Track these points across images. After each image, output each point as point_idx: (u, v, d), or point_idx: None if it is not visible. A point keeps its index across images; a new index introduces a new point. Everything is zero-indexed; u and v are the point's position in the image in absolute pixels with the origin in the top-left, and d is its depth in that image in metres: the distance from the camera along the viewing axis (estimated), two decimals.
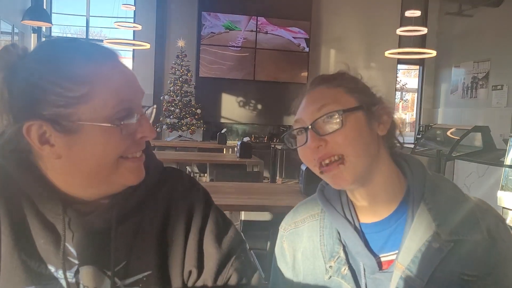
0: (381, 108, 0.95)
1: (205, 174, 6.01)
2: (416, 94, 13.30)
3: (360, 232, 0.95)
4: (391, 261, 0.91)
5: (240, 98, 11.68)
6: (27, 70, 0.78)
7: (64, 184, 0.83)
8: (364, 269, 0.92)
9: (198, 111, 11.02)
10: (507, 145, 6.61)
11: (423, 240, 0.87)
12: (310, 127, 0.91)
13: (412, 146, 11.95)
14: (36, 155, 0.83)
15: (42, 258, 0.83)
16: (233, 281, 0.91)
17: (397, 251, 0.90)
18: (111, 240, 0.84)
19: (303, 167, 2.86)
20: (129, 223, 0.87)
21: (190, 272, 0.89)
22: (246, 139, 4.90)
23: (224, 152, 6.69)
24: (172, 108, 10.84)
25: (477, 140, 8.41)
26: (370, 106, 0.94)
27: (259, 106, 11.81)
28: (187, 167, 6.21)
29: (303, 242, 1.02)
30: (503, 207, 6.11)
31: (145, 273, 0.85)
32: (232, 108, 11.65)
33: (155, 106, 0.89)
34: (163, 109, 10.91)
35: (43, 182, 0.82)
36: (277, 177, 6.79)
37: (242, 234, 1.01)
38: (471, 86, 11.40)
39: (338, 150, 0.90)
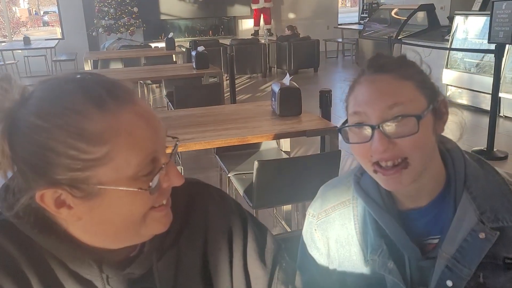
0: (441, 102, 0.89)
1: (160, 85, 5.78)
2: None
3: (400, 220, 0.95)
4: (433, 245, 0.93)
5: None
6: (30, 125, 0.65)
7: (90, 241, 0.75)
8: (409, 259, 0.95)
9: (135, 9, 10.20)
10: (452, 23, 6.75)
11: (468, 230, 0.89)
12: (379, 127, 0.83)
13: (356, 26, 11.93)
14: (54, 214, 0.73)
15: None
16: None
17: (438, 236, 0.93)
18: (156, 283, 0.80)
19: (275, 88, 2.80)
20: (169, 260, 0.82)
21: None
22: (200, 48, 4.64)
23: (174, 59, 6.38)
24: (106, 9, 9.95)
25: (422, 18, 8.47)
26: (435, 103, 0.87)
27: None
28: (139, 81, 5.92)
29: (335, 230, 1.02)
30: (447, 84, 6.45)
31: None
32: (171, 3, 10.85)
33: (177, 139, 0.77)
34: (95, 10, 10.00)
35: (68, 240, 0.73)
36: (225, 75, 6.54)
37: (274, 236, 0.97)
38: None
39: (405, 153, 0.84)
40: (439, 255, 0.91)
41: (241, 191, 2.66)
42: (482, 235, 0.88)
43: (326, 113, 2.86)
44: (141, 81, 5.97)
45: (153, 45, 8.60)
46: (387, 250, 0.94)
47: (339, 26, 12.17)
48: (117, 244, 0.76)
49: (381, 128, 0.83)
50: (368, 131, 0.85)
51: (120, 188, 0.67)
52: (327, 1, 12.32)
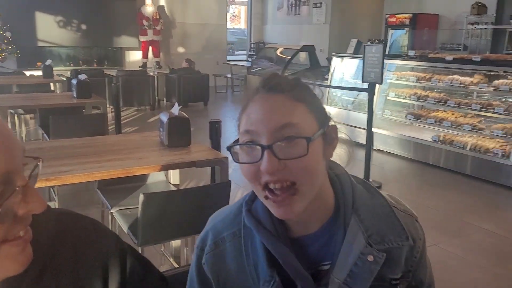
0: (332, 128, 0.88)
1: (35, 115, 5.26)
2: (245, 7, 13.52)
3: (292, 247, 0.91)
4: (324, 272, 0.91)
5: (60, 18, 10.24)
6: None
7: None
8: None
9: (8, 34, 9.37)
10: (330, 64, 7.33)
11: (357, 253, 0.89)
12: (269, 147, 0.80)
13: (245, 63, 12.36)
14: None
15: None
16: None
17: (329, 262, 0.91)
18: None
19: (163, 118, 2.69)
20: None
21: None
22: (82, 76, 4.34)
23: (52, 88, 5.90)
24: None
25: (304, 58, 9.07)
26: (326, 127, 0.86)
27: (83, 26, 10.57)
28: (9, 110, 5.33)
29: (226, 264, 0.95)
30: None
31: None
32: (50, 29, 10.18)
33: (40, 160, 0.66)
34: None
35: None
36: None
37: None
38: (294, 3, 12.02)
39: (294, 177, 0.81)
40: (331, 281, 0.89)
41: (125, 228, 2.46)
42: (370, 258, 0.88)
43: (216, 143, 2.83)
44: (12, 111, 5.38)
45: (28, 73, 7.91)
46: (280, 281, 0.89)
47: (228, 62, 12.50)
48: None
49: (271, 148, 0.80)
50: (258, 151, 0.81)
51: None
52: (216, 37, 12.63)
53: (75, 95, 4.41)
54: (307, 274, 0.89)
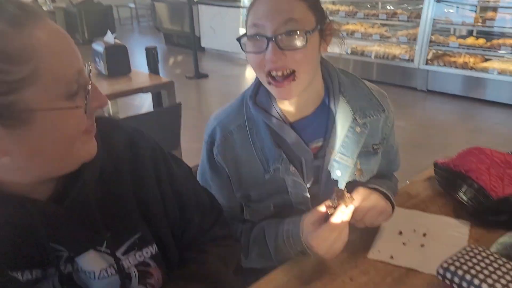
0: (328, 25, 1.01)
1: None
2: None
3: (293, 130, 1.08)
4: (318, 148, 1.09)
5: None
6: None
7: (15, 179, 0.68)
8: (305, 161, 1.08)
9: None
10: None
11: (346, 127, 1.08)
12: (273, 39, 0.92)
13: None
14: None
15: (27, 264, 0.71)
16: (208, 206, 0.97)
17: (322, 139, 1.09)
18: (93, 217, 0.76)
19: (99, 48, 2.61)
20: (101, 193, 0.78)
21: (174, 218, 0.89)
22: None
23: None
24: None
25: None
26: (323, 25, 0.99)
27: None
28: None
29: (236, 152, 1.09)
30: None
31: (136, 236, 0.82)
32: None
33: (89, 64, 0.73)
34: None
35: None
36: None
37: None
38: None
39: (294, 65, 0.95)
40: (327, 152, 1.08)
41: None
42: (358, 129, 1.08)
43: (154, 69, 2.83)
44: None
45: None
46: (287, 157, 1.06)
47: None
48: (45, 175, 0.70)
49: (275, 40, 0.92)
50: (263, 42, 0.94)
51: (52, 110, 0.63)
52: None
53: None
54: (309, 149, 1.07)
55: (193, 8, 6.81)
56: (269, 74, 0.97)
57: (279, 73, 0.96)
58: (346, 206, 0.94)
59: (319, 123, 1.10)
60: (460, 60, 4.85)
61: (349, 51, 5.63)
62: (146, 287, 0.83)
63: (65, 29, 0.70)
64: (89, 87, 0.68)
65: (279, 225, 1.06)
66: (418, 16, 5.05)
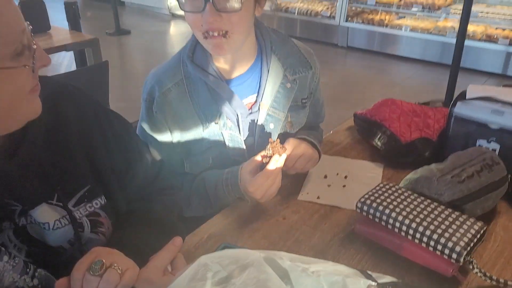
0: None
1: None
2: None
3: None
4: (252, 103, 1.18)
5: None
6: None
7: None
8: (240, 115, 1.16)
9: None
10: None
11: (278, 83, 1.17)
12: (210, 0, 0.96)
13: None
14: None
15: None
16: (150, 159, 1.03)
17: (255, 94, 1.18)
18: (43, 172, 0.80)
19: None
20: (49, 149, 0.82)
21: (120, 171, 0.94)
22: None
23: None
24: None
25: None
26: None
27: None
28: None
29: (174, 108, 1.14)
30: None
31: (85, 189, 0.86)
32: None
33: (28, 23, 0.74)
34: None
35: None
36: None
37: None
38: None
39: (228, 26, 1.01)
40: (261, 107, 1.17)
41: None
42: (288, 85, 1.18)
43: (76, 25, 2.71)
44: None
45: None
46: (224, 112, 1.14)
47: None
48: None
49: (212, 1, 0.98)
50: (201, 1, 0.98)
51: (1, 68, 0.64)
52: None
53: None
54: (243, 104, 1.16)
55: None
56: (206, 32, 1.02)
57: (215, 33, 1.02)
58: (280, 155, 1.04)
59: (253, 80, 1.18)
60: (377, 17, 5.12)
61: (273, 7, 5.68)
62: (98, 235, 0.88)
63: None
64: (34, 46, 0.70)
65: (218, 175, 1.15)
66: None
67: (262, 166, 1.06)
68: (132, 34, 6.00)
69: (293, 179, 1.22)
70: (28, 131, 0.77)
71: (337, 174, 1.26)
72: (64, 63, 4.41)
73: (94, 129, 0.90)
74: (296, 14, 5.52)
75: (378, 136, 1.33)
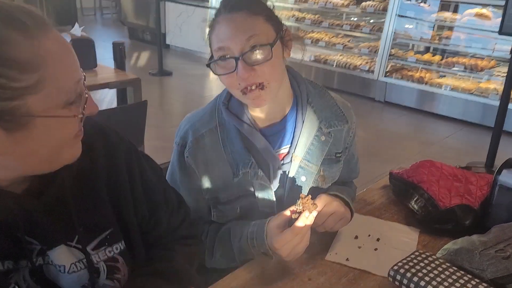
0: (286, 32, 1.07)
1: None
2: None
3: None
4: (284, 154, 1.16)
5: None
6: None
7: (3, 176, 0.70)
8: (272, 166, 1.14)
9: None
10: None
11: (312, 135, 1.15)
12: (241, 57, 0.97)
13: None
14: None
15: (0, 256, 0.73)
16: (175, 207, 1.00)
17: (288, 145, 1.15)
18: (68, 212, 0.78)
19: None
20: (77, 190, 0.81)
21: (143, 217, 0.92)
22: None
23: None
24: None
25: None
26: (281, 32, 1.05)
27: None
28: None
29: (206, 155, 1.13)
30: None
31: (107, 232, 0.84)
32: None
33: (84, 72, 0.75)
34: None
35: None
36: None
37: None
38: None
39: (263, 78, 1.00)
40: (293, 158, 1.14)
41: None
42: (322, 138, 1.15)
43: (121, 65, 2.81)
44: None
45: None
46: (256, 162, 1.11)
47: None
48: (28, 173, 0.73)
49: (243, 58, 0.98)
50: (232, 62, 0.99)
51: (51, 117, 0.66)
52: None
53: None
54: (276, 154, 1.13)
55: (160, 4, 6.75)
56: (244, 89, 1.02)
57: (253, 87, 1.02)
58: (310, 212, 1.00)
59: (287, 130, 1.16)
60: (417, 74, 5.09)
61: (312, 58, 5.78)
62: (113, 281, 0.85)
63: None
64: (86, 95, 0.71)
65: (244, 226, 1.11)
66: (380, 29, 5.25)
67: (291, 221, 1.01)
68: (174, 75, 6.19)
69: (322, 237, 1.16)
70: (60, 172, 0.76)
71: (369, 235, 1.20)
72: (106, 99, 4.56)
73: (122, 173, 0.89)
74: (334, 66, 5.57)
75: (415, 199, 1.27)
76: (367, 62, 5.45)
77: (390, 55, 5.20)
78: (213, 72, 1.03)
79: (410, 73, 5.14)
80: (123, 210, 0.88)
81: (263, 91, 1.03)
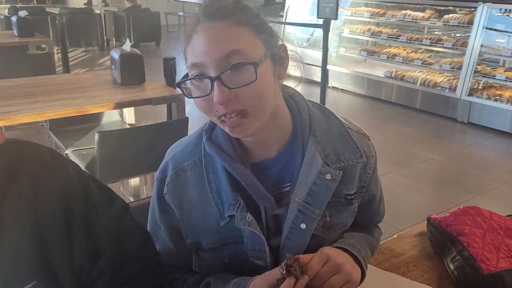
0: (280, 47, 0.87)
1: None
2: None
3: (253, 172, 0.93)
4: (285, 193, 0.95)
5: None
6: None
7: None
8: (265, 209, 0.94)
9: None
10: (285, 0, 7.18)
11: (315, 172, 0.92)
12: (218, 78, 0.78)
13: (197, 1, 11.84)
14: None
15: None
16: (131, 254, 0.85)
17: (289, 184, 0.95)
18: None
19: (115, 55, 2.59)
20: None
21: (81, 266, 0.78)
22: (22, 13, 4.04)
23: None
24: None
25: None
26: (274, 48, 0.85)
27: None
28: None
29: (188, 192, 0.96)
30: None
31: (30, 284, 0.71)
32: None
33: None
34: None
35: None
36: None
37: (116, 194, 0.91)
38: None
39: (245, 104, 0.80)
40: (292, 201, 0.92)
41: (82, 167, 2.44)
42: (328, 176, 0.92)
43: (170, 80, 2.78)
44: None
45: None
46: (244, 203, 0.92)
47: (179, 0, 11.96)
48: None
49: (219, 79, 0.78)
50: (208, 83, 0.79)
51: None
52: None
53: (16, 34, 4.13)
54: (269, 194, 0.93)
55: None
56: (222, 117, 0.83)
57: (233, 115, 0.82)
58: (297, 279, 0.79)
59: (286, 165, 0.95)
60: (507, 93, 4.52)
61: (388, 75, 5.41)
62: None
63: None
64: None
65: (225, 284, 0.91)
66: (465, 44, 4.76)
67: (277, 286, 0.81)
68: None
69: None
70: None
71: None
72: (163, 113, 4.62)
73: (56, 211, 0.74)
74: (418, 84, 5.13)
75: (452, 256, 0.99)
76: (448, 80, 4.96)
77: (475, 71, 4.68)
78: (184, 94, 0.85)
79: (498, 92, 4.57)
80: (54, 257, 0.73)
81: (245, 120, 0.83)
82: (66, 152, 2.59)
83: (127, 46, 2.60)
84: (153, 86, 2.64)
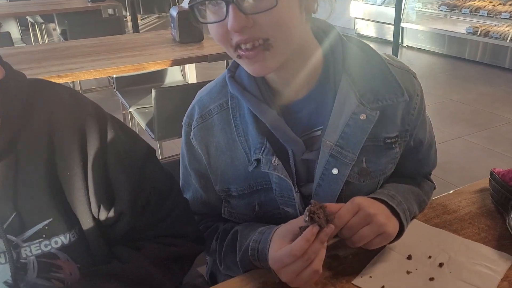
0: None
1: (53, 24, 5.20)
2: None
3: (281, 115, 0.87)
4: (317, 138, 0.87)
5: None
6: None
7: None
8: (293, 153, 0.87)
9: None
10: None
11: (349, 113, 0.83)
12: (233, 1, 0.69)
13: None
14: None
15: None
16: (153, 200, 0.82)
17: (321, 127, 0.87)
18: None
19: (173, 13, 2.58)
20: (4, 169, 0.68)
21: (99, 207, 0.76)
22: None
23: None
24: None
25: None
26: None
27: None
28: (27, 17, 5.27)
29: (215, 137, 0.90)
30: (354, 17, 6.56)
31: (45, 222, 0.71)
32: None
33: None
34: None
35: None
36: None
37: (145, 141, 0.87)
38: None
39: (265, 33, 0.72)
40: (323, 144, 0.85)
41: (143, 125, 2.50)
42: (363, 117, 0.84)
43: None
44: (31, 20, 5.34)
45: None
46: (271, 147, 0.86)
47: None
48: None
49: (236, 2, 0.70)
50: (223, 7, 0.71)
51: None
52: None
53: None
54: (298, 138, 0.86)
55: None
56: (238, 47, 0.74)
57: (248, 46, 0.73)
58: (321, 227, 0.72)
59: (318, 107, 0.87)
60: None
61: (471, 31, 4.93)
62: (50, 281, 0.72)
63: None
64: None
65: (251, 232, 0.86)
66: None
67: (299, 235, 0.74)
68: None
69: (359, 250, 0.86)
70: None
71: (430, 257, 0.85)
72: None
73: (71, 150, 0.73)
74: (508, 40, 4.62)
75: None
76: None
77: None
78: (194, 19, 0.78)
79: None
80: (70, 196, 0.73)
81: (268, 53, 0.74)
82: (130, 110, 2.67)
83: (186, 3, 2.57)
84: (211, 43, 2.61)
